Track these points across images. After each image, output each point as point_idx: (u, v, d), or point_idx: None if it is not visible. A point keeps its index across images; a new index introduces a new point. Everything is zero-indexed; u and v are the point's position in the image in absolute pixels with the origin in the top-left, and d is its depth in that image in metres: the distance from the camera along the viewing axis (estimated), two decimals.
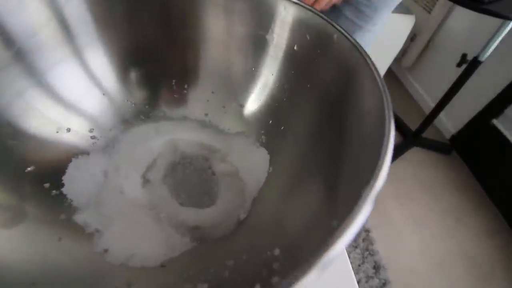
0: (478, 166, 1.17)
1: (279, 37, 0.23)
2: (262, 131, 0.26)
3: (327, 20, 0.20)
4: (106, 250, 0.19)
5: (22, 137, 0.21)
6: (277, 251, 0.15)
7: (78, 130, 0.24)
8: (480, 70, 0.91)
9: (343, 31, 0.19)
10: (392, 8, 0.43)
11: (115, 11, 0.23)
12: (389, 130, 0.12)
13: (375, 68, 0.15)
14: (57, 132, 0.23)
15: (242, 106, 0.26)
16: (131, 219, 0.22)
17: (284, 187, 0.22)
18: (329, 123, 0.20)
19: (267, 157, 0.24)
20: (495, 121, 1.06)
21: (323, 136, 0.20)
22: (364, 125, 0.15)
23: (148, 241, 0.21)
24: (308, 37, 0.22)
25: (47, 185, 0.21)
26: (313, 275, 0.08)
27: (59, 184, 0.21)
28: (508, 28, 0.78)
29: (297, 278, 0.08)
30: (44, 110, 0.22)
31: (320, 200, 0.17)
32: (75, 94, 0.23)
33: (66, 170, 0.22)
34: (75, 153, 0.23)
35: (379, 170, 0.10)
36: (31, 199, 0.20)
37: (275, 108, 0.25)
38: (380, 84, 0.14)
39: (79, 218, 0.20)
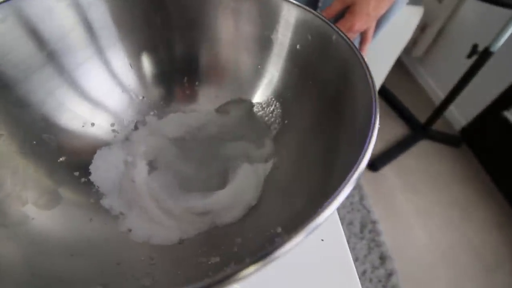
0: (487, 158, 1.16)
1: (283, 36, 0.25)
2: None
3: (327, 22, 0.22)
4: (130, 230, 0.22)
5: (54, 131, 0.23)
6: (279, 229, 0.17)
7: (101, 124, 0.26)
8: (491, 61, 0.90)
9: (341, 32, 0.21)
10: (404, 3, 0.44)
11: (133, 14, 0.25)
12: (374, 124, 0.14)
13: (367, 67, 0.17)
14: (83, 126, 0.25)
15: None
16: (142, 206, 0.24)
17: (288, 174, 0.24)
18: (328, 116, 0.22)
19: (272, 147, 0.26)
20: (506, 113, 1.05)
21: (321, 127, 0.22)
22: (357, 118, 0.17)
23: (161, 226, 0.23)
24: (309, 37, 0.23)
25: (76, 173, 0.23)
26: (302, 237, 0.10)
27: (87, 173, 0.24)
28: None
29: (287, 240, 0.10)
30: (72, 107, 0.24)
31: (320, 182, 0.19)
32: (98, 91, 0.26)
33: (92, 161, 0.25)
34: (99, 145, 0.26)
35: (362, 157, 0.12)
36: (64, 185, 0.22)
37: (280, 103, 0.27)
38: (370, 82, 0.16)
39: (105, 202, 0.23)
